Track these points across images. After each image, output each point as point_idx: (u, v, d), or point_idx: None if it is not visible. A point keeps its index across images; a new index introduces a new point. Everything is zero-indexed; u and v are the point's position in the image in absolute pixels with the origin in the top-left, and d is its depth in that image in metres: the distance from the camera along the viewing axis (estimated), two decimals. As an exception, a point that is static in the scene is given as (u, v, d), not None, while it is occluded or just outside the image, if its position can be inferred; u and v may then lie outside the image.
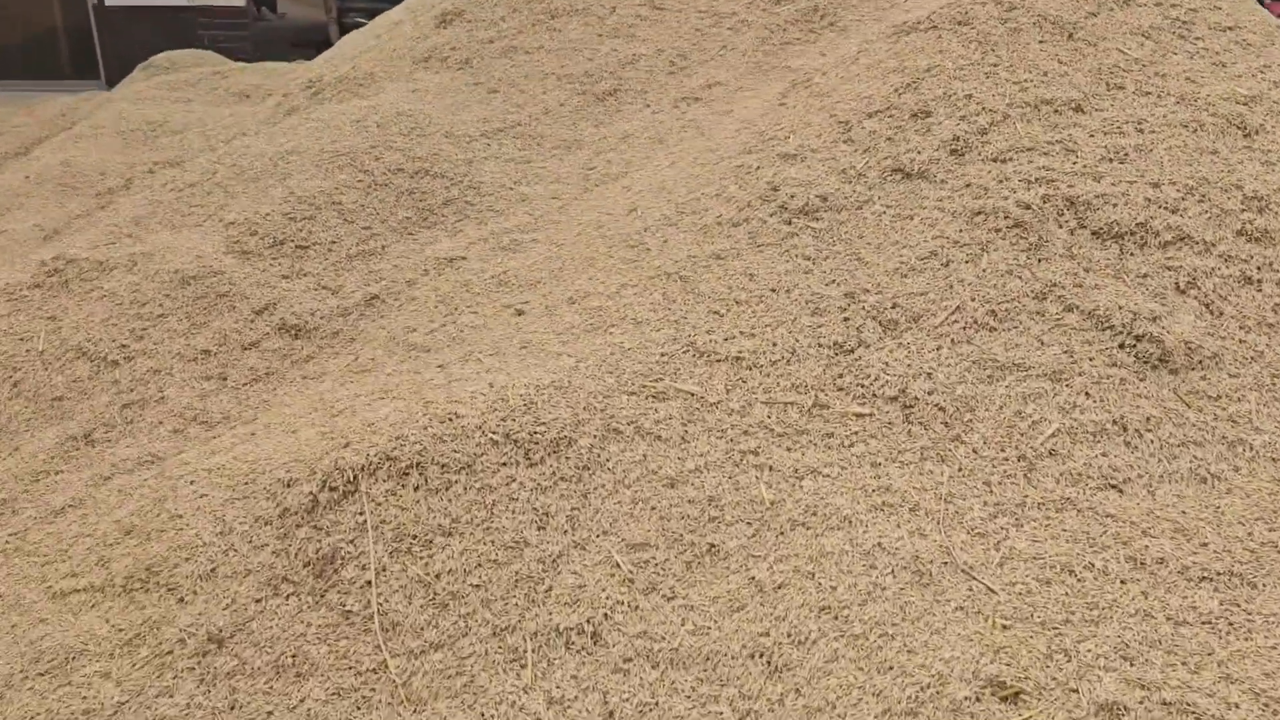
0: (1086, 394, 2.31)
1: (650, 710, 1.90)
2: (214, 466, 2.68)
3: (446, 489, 2.26)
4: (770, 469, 2.27)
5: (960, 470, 2.23)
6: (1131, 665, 1.83)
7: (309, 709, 2.02)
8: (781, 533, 2.15)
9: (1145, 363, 2.34)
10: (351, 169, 4.14)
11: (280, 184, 4.13)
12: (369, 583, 2.16)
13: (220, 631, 2.16)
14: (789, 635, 1.97)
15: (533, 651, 2.02)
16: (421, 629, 2.08)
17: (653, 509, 2.22)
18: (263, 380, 3.38)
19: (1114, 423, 2.26)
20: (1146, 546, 2.04)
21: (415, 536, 2.20)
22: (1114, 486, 2.17)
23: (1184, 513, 2.11)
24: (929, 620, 1.95)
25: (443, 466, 2.29)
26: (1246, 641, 1.87)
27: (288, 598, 2.21)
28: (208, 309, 3.59)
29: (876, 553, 2.08)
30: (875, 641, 1.93)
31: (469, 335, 3.10)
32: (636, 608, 2.06)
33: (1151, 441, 2.24)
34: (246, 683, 2.08)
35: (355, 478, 2.30)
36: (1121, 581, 1.98)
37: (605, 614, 2.05)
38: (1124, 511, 2.11)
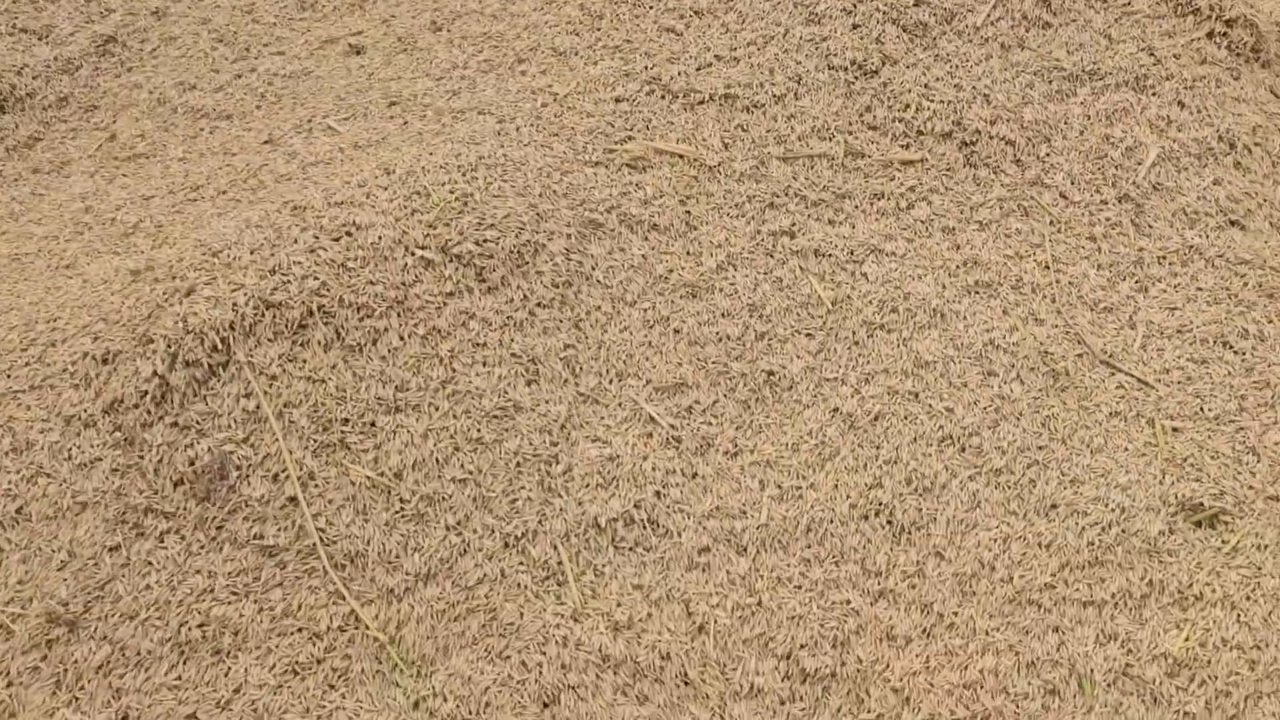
0: (1180, 104, 1.90)
1: (755, 613, 1.45)
2: (-46, 337, 1.83)
3: (373, 342, 1.60)
4: (816, 254, 1.75)
5: (1054, 225, 1.80)
6: (1333, 456, 1.55)
7: (253, 702, 1.43)
8: (857, 342, 1.67)
9: (1239, 55, 1.95)
10: None
11: None
12: (293, 499, 1.52)
13: (66, 606, 1.48)
14: (908, 482, 1.55)
15: (569, 561, 1.49)
16: (396, 556, 1.49)
17: (676, 332, 1.67)
18: (-32, 181, 2.40)
19: (1219, 139, 1.88)
20: (1298, 298, 1.73)
21: (348, 421, 1.55)
22: (1235, 223, 1.82)
23: (1320, 247, 1.81)
24: (1083, 436, 1.57)
25: (360, 309, 1.61)
26: None
27: (163, 537, 1.53)
28: None
29: (991, 353, 1.65)
30: (1024, 475, 1.54)
31: (290, 90, 2.26)
32: (694, 475, 1.56)
33: (1262, 158, 1.88)
34: (136, 678, 1.44)
35: (225, 342, 1.58)
36: (1286, 348, 1.67)
37: (657, 492, 1.54)
38: (1256, 255, 1.78)
